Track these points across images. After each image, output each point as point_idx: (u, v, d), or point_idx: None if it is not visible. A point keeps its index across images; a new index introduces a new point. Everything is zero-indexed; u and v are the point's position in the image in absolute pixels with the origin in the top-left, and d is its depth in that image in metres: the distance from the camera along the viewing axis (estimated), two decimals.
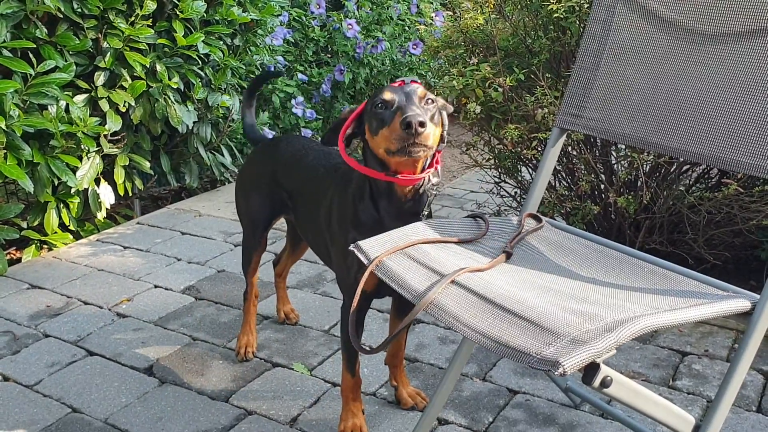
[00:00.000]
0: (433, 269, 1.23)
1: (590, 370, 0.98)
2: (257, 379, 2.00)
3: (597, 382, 0.98)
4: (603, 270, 1.31)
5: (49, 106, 2.76)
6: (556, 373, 0.93)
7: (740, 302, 1.15)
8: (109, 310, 2.45)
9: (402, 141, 1.35)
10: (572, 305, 1.11)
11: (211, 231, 3.13)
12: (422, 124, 1.32)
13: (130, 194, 3.30)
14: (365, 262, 1.28)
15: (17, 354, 2.19)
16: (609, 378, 1.00)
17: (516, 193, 2.95)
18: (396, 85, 1.44)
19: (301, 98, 4.37)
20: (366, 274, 1.27)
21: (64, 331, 2.31)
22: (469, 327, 1.07)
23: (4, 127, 2.50)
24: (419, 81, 1.47)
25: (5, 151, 2.57)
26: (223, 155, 3.67)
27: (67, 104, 2.83)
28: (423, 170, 1.49)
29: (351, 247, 1.32)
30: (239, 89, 3.76)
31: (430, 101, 1.44)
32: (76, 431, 1.81)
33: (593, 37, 1.52)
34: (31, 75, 2.62)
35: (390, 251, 1.28)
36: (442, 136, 1.49)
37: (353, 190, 1.58)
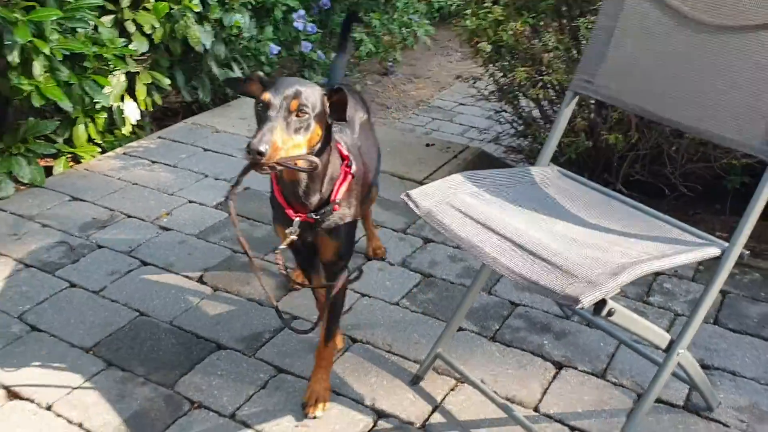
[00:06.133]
0: (474, 218, 1.53)
1: (600, 304, 1.32)
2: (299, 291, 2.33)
3: (605, 313, 1.33)
4: (607, 217, 1.62)
5: (79, 29, 2.92)
6: (576, 307, 1.26)
7: (713, 250, 1.49)
8: (152, 223, 2.73)
9: (247, 159, 1.45)
10: (586, 251, 1.43)
11: (230, 148, 3.37)
12: (261, 153, 1.40)
13: (151, 109, 3.50)
14: (415, 210, 1.58)
15: (77, 263, 2.47)
16: (613, 309, 1.34)
17: (513, 120, 3.23)
18: (280, 86, 1.51)
19: (302, 11, 4.48)
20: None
21: (115, 242, 2.60)
22: (508, 269, 1.39)
23: (47, 52, 2.67)
24: (304, 87, 1.53)
25: (47, 74, 2.75)
26: (233, 71, 3.85)
27: (96, 25, 2.99)
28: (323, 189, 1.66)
29: (402, 196, 1.62)
30: (249, 6, 3.89)
31: (303, 111, 1.50)
32: (148, 331, 2.14)
33: (606, 15, 1.77)
34: (67, 2, 2.77)
35: (436, 202, 1.58)
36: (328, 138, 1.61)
37: None
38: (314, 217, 1.68)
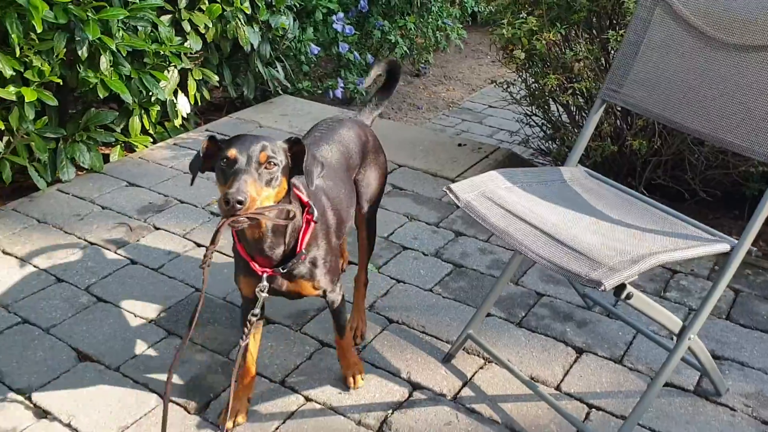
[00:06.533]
0: (509, 210, 1.72)
1: (620, 288, 1.50)
2: None
3: (624, 296, 1.51)
4: (628, 213, 1.80)
5: (140, 27, 3.14)
6: (599, 290, 1.44)
7: (723, 245, 1.66)
8: (203, 209, 2.94)
9: (224, 212, 1.44)
10: (608, 242, 1.61)
11: None
12: (241, 202, 1.40)
13: (200, 104, 3.72)
14: (456, 202, 1.76)
15: (137, 243, 2.70)
16: (631, 293, 1.52)
17: (543, 123, 3.40)
18: (244, 141, 1.51)
19: (341, 14, 4.69)
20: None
21: (171, 225, 2.81)
22: (538, 255, 1.57)
23: (113, 48, 2.89)
24: (268, 141, 1.53)
25: (111, 68, 2.98)
26: (277, 70, 4.06)
27: (154, 23, 3.21)
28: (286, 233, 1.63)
29: (444, 189, 1.80)
30: (293, 8, 4.10)
31: (271, 163, 1.50)
32: (204, 305, 2.34)
33: (634, 31, 1.94)
34: (131, 2, 2.99)
35: (474, 193, 1.77)
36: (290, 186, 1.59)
37: None
38: (281, 271, 1.68)
